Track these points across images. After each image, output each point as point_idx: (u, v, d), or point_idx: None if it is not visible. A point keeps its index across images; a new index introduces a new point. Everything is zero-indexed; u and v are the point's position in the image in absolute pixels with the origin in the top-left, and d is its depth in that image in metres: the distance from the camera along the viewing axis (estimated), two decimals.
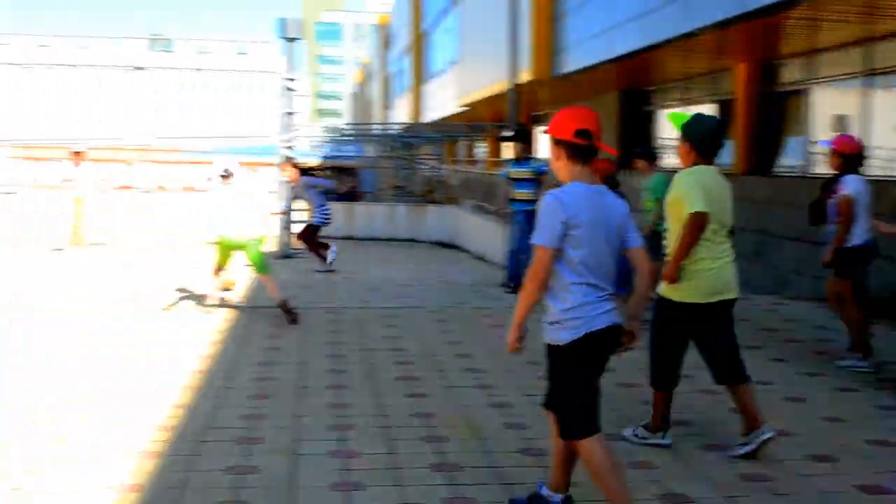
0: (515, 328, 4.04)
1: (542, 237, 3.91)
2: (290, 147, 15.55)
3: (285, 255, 15.46)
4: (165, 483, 4.73)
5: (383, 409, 6.17)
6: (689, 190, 5.09)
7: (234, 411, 6.06)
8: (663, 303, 5.31)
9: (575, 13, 17.02)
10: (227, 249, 9.89)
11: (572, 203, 3.91)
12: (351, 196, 24.58)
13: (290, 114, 15.53)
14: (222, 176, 9.98)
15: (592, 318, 3.93)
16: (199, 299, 10.36)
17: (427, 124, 34.42)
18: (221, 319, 9.44)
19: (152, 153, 28.23)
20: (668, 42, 12.94)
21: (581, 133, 3.98)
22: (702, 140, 5.23)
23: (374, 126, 48.44)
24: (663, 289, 5.29)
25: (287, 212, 15.66)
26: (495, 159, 28.56)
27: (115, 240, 16.62)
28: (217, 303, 10.02)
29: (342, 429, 5.71)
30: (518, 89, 16.15)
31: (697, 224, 5.05)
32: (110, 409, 6.07)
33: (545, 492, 4.32)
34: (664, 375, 5.37)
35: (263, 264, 9.85)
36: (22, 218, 17.61)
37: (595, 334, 3.94)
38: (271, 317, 9.58)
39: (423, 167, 27.24)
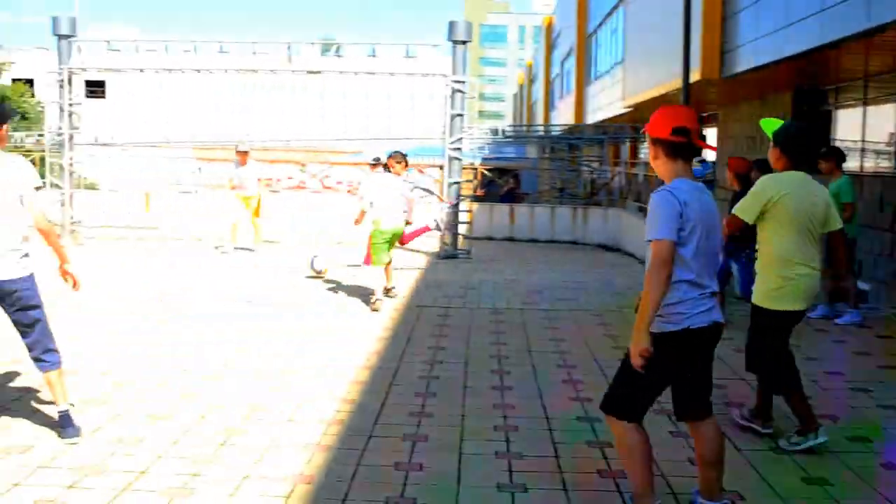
0: (645, 332, 3.85)
1: (660, 230, 3.86)
2: (457, 149, 15.72)
3: (449, 255, 15.61)
4: (335, 475, 4.87)
5: (548, 411, 6.16)
6: (749, 196, 5.42)
7: (401, 408, 6.18)
8: (757, 311, 5.45)
9: (748, 11, 16.48)
10: (380, 241, 10.25)
11: (682, 198, 3.90)
12: (511, 197, 24.60)
13: (458, 116, 15.68)
14: (371, 164, 10.41)
15: (694, 314, 3.95)
16: (366, 296, 10.59)
17: (590, 125, 34.12)
18: (387, 317, 9.64)
19: (322, 154, 29.11)
20: (848, 40, 12.35)
21: (679, 131, 3.98)
22: (789, 146, 5.38)
23: (537, 127, 48.37)
24: (757, 298, 5.43)
25: (454, 207, 15.82)
26: None
27: (285, 238, 17.20)
28: (381, 299, 10.28)
29: (507, 430, 5.73)
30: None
31: (732, 227, 5.49)
32: (284, 402, 6.31)
33: (699, 501, 4.27)
34: (780, 377, 5.44)
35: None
36: (196, 216, 18.45)
37: (695, 331, 3.95)
38: (436, 315, 9.73)
39: (585, 169, 27.01)
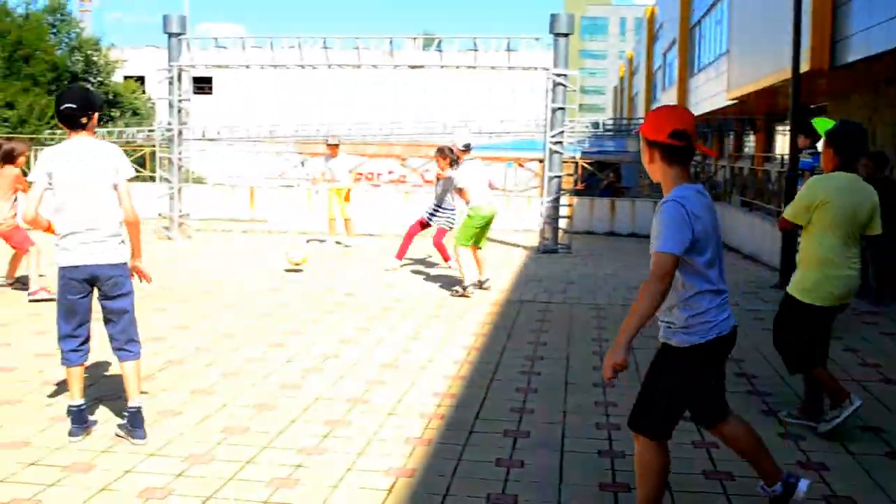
0: (626, 345, 3.64)
1: (665, 243, 3.65)
2: (558, 142, 15.59)
3: (549, 249, 15.49)
4: (436, 470, 4.88)
5: None
6: (797, 198, 5.58)
7: (502, 404, 6.16)
8: (790, 298, 5.61)
9: None
10: (476, 225, 10.47)
11: (693, 209, 3.72)
12: (612, 191, 24.32)
13: (559, 109, 15.53)
14: (461, 150, 10.57)
15: (719, 322, 3.85)
16: (460, 289, 10.57)
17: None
18: (487, 312, 9.63)
19: (422, 148, 29.30)
20: None
21: (676, 134, 3.76)
22: (841, 147, 5.48)
23: (638, 120, 47.71)
24: (792, 288, 5.60)
25: (555, 205, 15.70)
26: (765, 154, 27.30)
27: (386, 231, 17.31)
28: (476, 284, 10.37)
29: (609, 428, 5.66)
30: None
31: (781, 225, 5.83)
32: (385, 396, 6.36)
33: (764, 490, 4.27)
34: (801, 357, 5.59)
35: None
36: (300, 210, 18.77)
37: (722, 338, 3.87)
38: (536, 310, 9.67)
39: None
